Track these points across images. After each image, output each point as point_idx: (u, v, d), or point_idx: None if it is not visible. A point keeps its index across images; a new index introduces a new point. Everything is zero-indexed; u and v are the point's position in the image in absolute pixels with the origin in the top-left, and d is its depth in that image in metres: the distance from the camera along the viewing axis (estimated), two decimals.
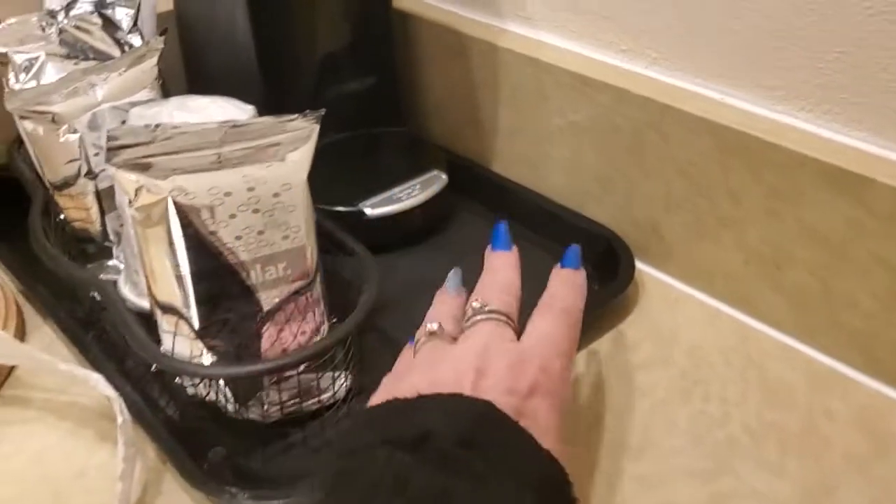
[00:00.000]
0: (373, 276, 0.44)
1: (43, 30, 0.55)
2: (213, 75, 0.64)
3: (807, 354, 0.49)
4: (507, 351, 0.35)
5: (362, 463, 0.31)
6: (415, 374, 0.36)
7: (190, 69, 0.66)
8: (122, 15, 0.58)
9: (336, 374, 0.45)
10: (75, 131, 0.50)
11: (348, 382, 0.46)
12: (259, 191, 0.41)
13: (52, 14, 0.56)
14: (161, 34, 0.55)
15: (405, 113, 0.68)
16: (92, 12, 0.56)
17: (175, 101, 0.53)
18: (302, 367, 0.43)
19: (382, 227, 0.58)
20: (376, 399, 0.36)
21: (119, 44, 0.58)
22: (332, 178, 0.62)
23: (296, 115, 0.44)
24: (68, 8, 0.56)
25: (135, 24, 0.58)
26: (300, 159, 0.42)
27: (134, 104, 0.53)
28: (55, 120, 0.49)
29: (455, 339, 0.38)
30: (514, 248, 0.42)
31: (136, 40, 0.58)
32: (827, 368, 0.48)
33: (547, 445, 0.32)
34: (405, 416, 0.32)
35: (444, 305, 0.41)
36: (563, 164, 0.59)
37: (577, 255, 0.41)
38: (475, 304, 0.38)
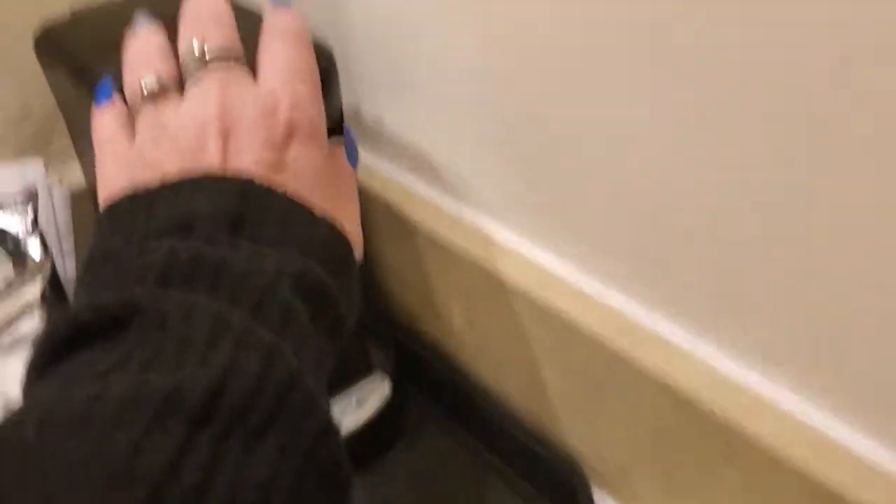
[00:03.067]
0: None
1: None
2: None
3: None
4: (250, 95, 0.31)
5: (117, 264, 0.26)
6: (149, 149, 0.30)
7: None
8: (14, 222, 0.51)
9: None
10: None
11: None
12: None
13: None
14: (45, 252, 0.48)
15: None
16: None
17: None
18: None
19: None
20: (108, 193, 0.30)
21: (11, 254, 0.51)
22: None
23: None
24: None
25: (33, 229, 0.52)
26: None
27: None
28: None
29: (179, 92, 0.32)
30: None
31: (34, 248, 0.52)
32: None
33: (317, 196, 0.30)
34: (158, 209, 0.28)
35: (144, 44, 0.33)
36: (524, 372, 0.51)
37: None
38: (193, 48, 0.32)
